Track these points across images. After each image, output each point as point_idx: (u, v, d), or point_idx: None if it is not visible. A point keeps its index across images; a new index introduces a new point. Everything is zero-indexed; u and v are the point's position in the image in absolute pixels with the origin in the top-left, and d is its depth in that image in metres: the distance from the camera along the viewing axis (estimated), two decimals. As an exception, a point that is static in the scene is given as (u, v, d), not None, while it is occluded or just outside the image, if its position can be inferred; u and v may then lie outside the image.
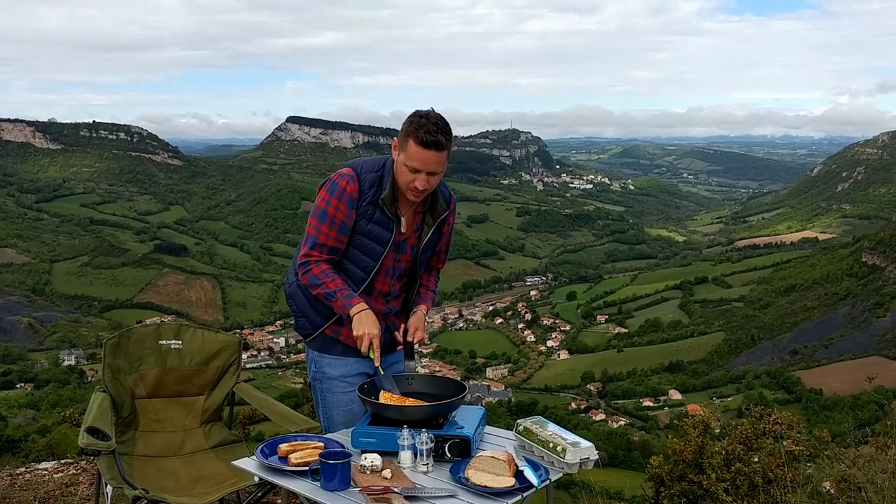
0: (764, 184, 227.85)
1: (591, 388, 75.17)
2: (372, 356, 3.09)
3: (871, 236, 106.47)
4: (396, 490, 2.53)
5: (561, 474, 2.75)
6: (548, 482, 2.69)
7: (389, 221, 3.17)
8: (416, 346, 3.32)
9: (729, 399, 66.16)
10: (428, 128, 2.96)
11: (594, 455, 2.74)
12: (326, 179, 3.21)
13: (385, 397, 3.00)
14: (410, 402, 2.99)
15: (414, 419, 2.89)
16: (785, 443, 3.91)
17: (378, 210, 3.15)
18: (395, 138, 3.11)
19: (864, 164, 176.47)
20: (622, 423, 60.54)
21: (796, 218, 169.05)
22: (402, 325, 3.33)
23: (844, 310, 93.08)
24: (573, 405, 66.74)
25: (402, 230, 3.22)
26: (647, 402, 69.69)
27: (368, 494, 2.52)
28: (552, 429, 2.89)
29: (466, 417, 3.02)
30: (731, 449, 3.90)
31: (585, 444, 2.75)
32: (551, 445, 2.76)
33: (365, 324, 3.06)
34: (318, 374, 3.36)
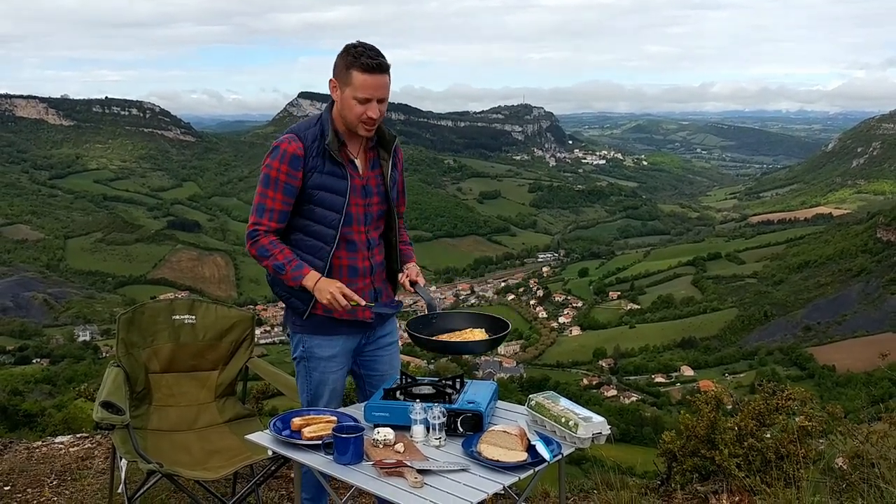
0: (778, 159, 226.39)
1: (603, 365, 75.20)
2: (356, 304, 3.06)
3: (887, 212, 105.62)
4: (409, 464, 2.54)
5: (573, 449, 2.75)
6: (560, 457, 2.69)
7: (341, 168, 3.12)
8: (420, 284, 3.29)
9: (741, 375, 66.15)
10: (368, 53, 2.96)
11: (606, 430, 2.73)
12: (269, 149, 3.15)
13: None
14: (471, 335, 3.10)
15: (477, 352, 2.99)
16: (798, 418, 3.90)
17: (327, 160, 3.10)
18: (330, 80, 3.06)
19: (880, 139, 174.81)
20: (634, 399, 60.51)
21: (810, 193, 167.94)
22: (404, 276, 3.31)
23: (858, 286, 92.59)
24: (585, 381, 66.75)
25: (361, 172, 3.19)
26: (659, 379, 69.63)
27: (381, 468, 2.53)
28: (564, 404, 2.89)
29: (479, 392, 3.02)
30: (744, 425, 3.90)
31: (597, 419, 2.75)
32: (563, 420, 2.76)
33: (325, 288, 3.03)
34: (305, 353, 3.28)
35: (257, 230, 3.11)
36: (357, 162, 3.18)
